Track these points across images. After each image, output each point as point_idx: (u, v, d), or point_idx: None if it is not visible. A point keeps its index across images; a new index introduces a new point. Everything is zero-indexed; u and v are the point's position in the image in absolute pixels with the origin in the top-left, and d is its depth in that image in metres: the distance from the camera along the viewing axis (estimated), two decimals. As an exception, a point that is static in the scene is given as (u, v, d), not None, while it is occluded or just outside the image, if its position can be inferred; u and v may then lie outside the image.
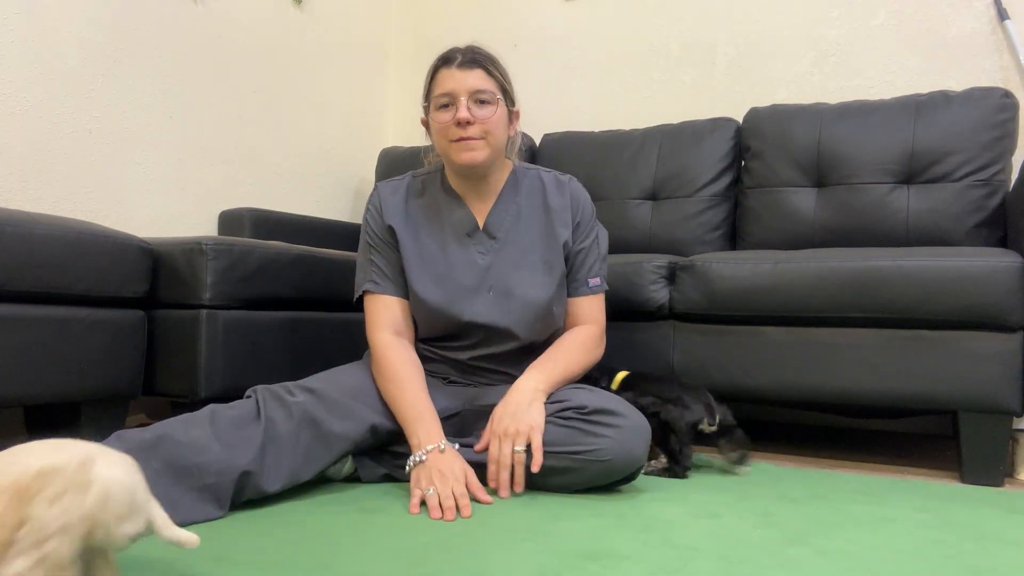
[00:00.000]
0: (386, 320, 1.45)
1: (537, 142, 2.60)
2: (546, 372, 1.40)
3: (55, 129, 1.92)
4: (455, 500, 1.18)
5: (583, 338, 1.49)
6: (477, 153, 1.39)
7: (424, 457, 1.26)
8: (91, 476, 0.64)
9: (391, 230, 1.47)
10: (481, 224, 1.49)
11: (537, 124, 2.79)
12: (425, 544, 1.01)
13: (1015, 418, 1.57)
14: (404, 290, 1.47)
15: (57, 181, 1.93)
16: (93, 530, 0.64)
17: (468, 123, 1.37)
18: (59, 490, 0.62)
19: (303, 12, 2.69)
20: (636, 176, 2.33)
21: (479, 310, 1.45)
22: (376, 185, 1.54)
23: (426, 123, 1.47)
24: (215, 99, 2.36)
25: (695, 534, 1.08)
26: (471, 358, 1.49)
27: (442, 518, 1.14)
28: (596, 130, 2.62)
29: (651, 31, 2.68)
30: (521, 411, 1.31)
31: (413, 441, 1.30)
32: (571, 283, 1.53)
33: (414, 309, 1.48)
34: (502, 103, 1.42)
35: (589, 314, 1.52)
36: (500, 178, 1.51)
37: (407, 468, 1.28)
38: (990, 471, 1.52)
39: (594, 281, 1.53)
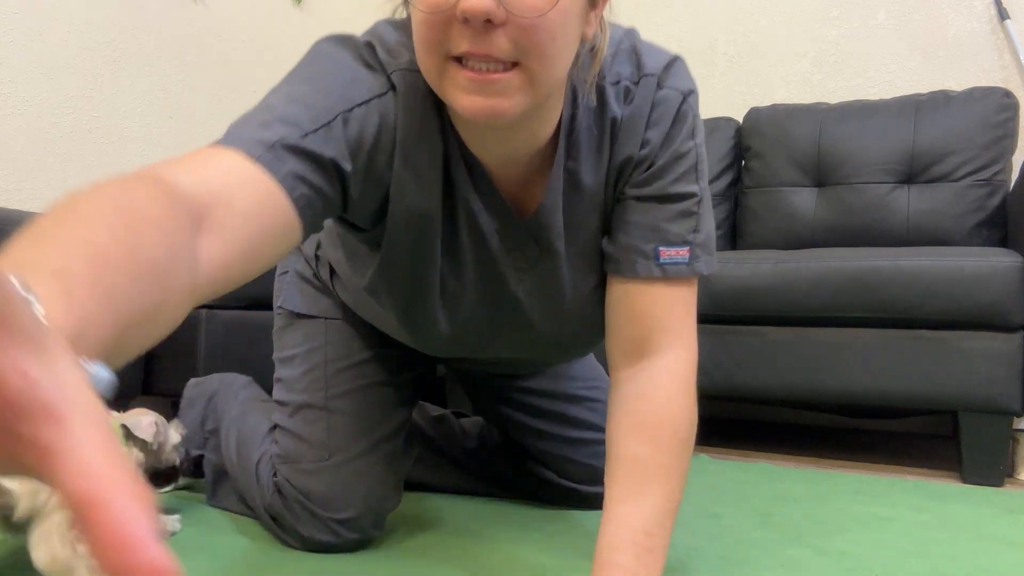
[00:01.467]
0: (199, 178, 0.53)
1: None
2: (648, 560, 0.72)
3: (54, 129, 1.92)
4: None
5: (676, 413, 0.77)
6: (502, 101, 0.64)
7: None
8: None
9: (372, 179, 0.74)
10: (525, 212, 0.81)
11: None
12: (423, 543, 1.01)
13: (1015, 418, 1.56)
14: (298, 213, 0.62)
15: (57, 181, 1.92)
16: None
17: (488, 22, 0.60)
18: None
19: (303, 12, 2.68)
20: (636, 176, 2.32)
21: (497, 350, 0.97)
22: (389, 73, 0.73)
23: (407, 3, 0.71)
24: (215, 99, 2.36)
25: (695, 534, 1.08)
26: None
27: None
28: (596, 130, 2.62)
29: (651, 31, 2.67)
30: None
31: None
32: (618, 258, 0.80)
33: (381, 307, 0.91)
34: None
35: (663, 321, 0.79)
36: (550, 122, 0.75)
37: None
38: (990, 471, 1.52)
39: (671, 253, 0.78)
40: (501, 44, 0.62)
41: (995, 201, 1.90)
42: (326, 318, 1.06)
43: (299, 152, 0.64)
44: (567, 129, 0.77)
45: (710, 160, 2.23)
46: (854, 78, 2.36)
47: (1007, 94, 1.94)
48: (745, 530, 1.11)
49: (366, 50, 0.73)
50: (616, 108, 0.77)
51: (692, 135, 0.78)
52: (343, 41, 0.74)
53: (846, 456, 1.85)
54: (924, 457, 1.86)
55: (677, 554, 0.99)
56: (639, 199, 0.79)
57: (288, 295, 1.10)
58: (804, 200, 2.09)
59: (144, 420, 1.02)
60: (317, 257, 1.06)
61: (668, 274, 0.78)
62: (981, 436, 1.54)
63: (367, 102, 0.71)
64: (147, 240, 0.41)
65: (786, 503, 1.29)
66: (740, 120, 2.30)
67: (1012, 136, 1.93)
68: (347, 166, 0.69)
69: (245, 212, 0.56)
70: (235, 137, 0.62)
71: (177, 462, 1.11)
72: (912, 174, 1.98)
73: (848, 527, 1.14)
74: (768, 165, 2.15)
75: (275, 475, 1.00)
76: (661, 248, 0.78)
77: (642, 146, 0.78)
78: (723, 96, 2.55)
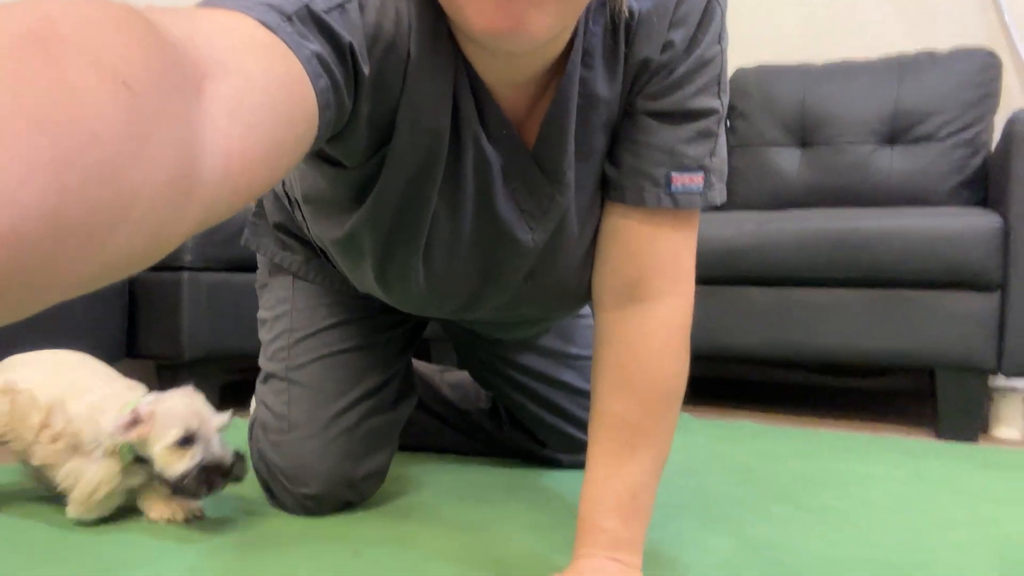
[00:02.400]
0: (195, 30, 0.36)
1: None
2: (633, 523, 0.70)
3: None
4: None
5: (667, 369, 0.70)
6: (531, 17, 0.51)
7: None
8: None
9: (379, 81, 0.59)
10: (530, 142, 0.69)
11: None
12: (409, 503, 1.02)
13: (991, 375, 1.60)
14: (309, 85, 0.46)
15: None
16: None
17: None
18: None
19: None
20: (621, 136, 2.31)
21: (493, 300, 0.83)
22: None
23: None
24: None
25: (678, 491, 1.10)
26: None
27: None
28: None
29: (636, -13, 2.63)
30: None
31: None
32: (623, 183, 0.70)
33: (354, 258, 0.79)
34: None
35: (663, 261, 0.70)
36: (571, 30, 0.62)
37: None
38: (966, 427, 1.56)
39: (684, 180, 0.68)
40: None
41: (977, 161, 1.91)
42: (295, 276, 1.01)
43: (322, 27, 0.49)
44: (582, 31, 0.64)
45: (695, 120, 2.22)
46: (840, 38, 2.34)
47: (991, 54, 1.94)
48: (727, 487, 1.13)
49: None
50: (633, 0, 0.65)
51: (719, 39, 0.68)
52: None
53: (826, 414, 1.88)
54: (902, 414, 1.90)
55: (659, 511, 1.01)
56: (653, 114, 0.67)
57: (262, 236, 1.04)
58: (788, 160, 2.09)
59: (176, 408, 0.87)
60: (287, 195, 0.94)
61: (679, 204, 0.68)
62: (957, 393, 1.57)
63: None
64: (81, 91, 0.25)
65: (767, 460, 1.32)
66: (725, 79, 2.29)
67: (995, 96, 1.94)
68: (364, 66, 0.55)
69: (267, 89, 0.39)
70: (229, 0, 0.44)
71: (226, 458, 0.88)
72: (895, 134, 1.99)
73: (828, 483, 1.17)
74: (753, 125, 2.14)
75: (258, 441, 1.00)
76: (674, 174, 0.67)
77: (663, 49, 0.65)
78: (708, 55, 2.53)
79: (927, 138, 1.95)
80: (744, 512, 1.01)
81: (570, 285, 0.80)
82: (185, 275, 1.56)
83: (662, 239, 0.70)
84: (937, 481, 1.19)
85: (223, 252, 1.61)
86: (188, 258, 1.56)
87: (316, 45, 0.47)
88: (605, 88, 0.67)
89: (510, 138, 0.68)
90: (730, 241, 1.72)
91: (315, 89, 0.46)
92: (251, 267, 1.69)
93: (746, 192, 2.14)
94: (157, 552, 0.83)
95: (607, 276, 0.73)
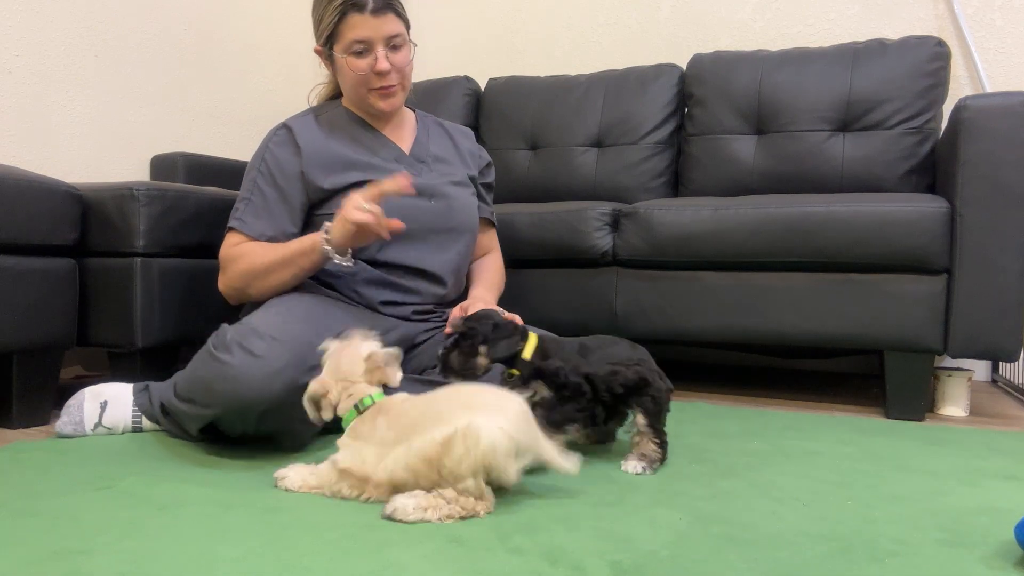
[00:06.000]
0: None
1: (482, 87, 2.56)
2: (492, 293, 1.56)
3: (-30, 67, 1.81)
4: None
5: (501, 266, 1.68)
6: (396, 99, 1.46)
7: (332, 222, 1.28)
8: (479, 435, 0.88)
9: (301, 174, 1.41)
10: (407, 151, 1.51)
11: (482, 67, 2.74)
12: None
13: (937, 356, 1.64)
14: (281, 232, 1.39)
15: (-26, 123, 1.83)
16: (489, 471, 0.89)
17: (388, 74, 1.41)
18: (459, 452, 0.88)
19: (235, -54, 2.56)
20: (582, 123, 2.32)
21: (424, 217, 1.45)
22: (284, 123, 1.47)
23: (325, 56, 1.47)
24: (143, 36, 2.25)
25: (634, 470, 1.12)
26: (396, 266, 1.44)
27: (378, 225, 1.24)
28: (542, 75, 2.59)
29: (596, -26, 2.64)
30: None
31: (315, 237, 1.30)
32: (482, 210, 1.63)
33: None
34: (408, 42, 1.43)
35: (494, 243, 1.70)
36: (405, 110, 1.57)
37: (324, 245, 1.28)
38: (912, 406, 1.60)
39: (491, 210, 1.69)
40: (394, 77, 1.44)
41: (925, 148, 1.95)
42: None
43: (260, 201, 1.43)
44: (419, 120, 1.61)
45: (654, 108, 2.24)
46: (795, 25, 2.38)
47: (940, 43, 1.98)
48: (681, 464, 1.15)
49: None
50: (447, 125, 1.66)
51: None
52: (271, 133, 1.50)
53: (778, 394, 1.92)
54: (852, 395, 1.94)
55: (615, 487, 1.02)
56: (487, 185, 1.69)
57: None
58: (744, 147, 2.12)
59: None
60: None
61: (494, 217, 1.72)
62: (905, 374, 1.61)
63: (264, 152, 1.47)
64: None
65: (720, 439, 1.34)
66: (684, 66, 2.31)
67: (943, 84, 1.98)
68: (297, 195, 1.43)
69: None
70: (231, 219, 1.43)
71: None
72: (848, 122, 2.02)
73: (778, 460, 1.19)
74: (710, 112, 2.16)
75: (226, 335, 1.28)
76: (492, 213, 1.71)
77: (484, 160, 1.69)
78: (668, 41, 2.54)
79: (878, 126, 1.99)
80: (695, 487, 1.03)
81: (464, 220, 1.54)
82: (137, 261, 1.53)
83: (491, 232, 1.71)
84: (883, 457, 1.23)
85: (175, 237, 1.58)
86: (140, 243, 1.53)
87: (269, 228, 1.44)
88: (452, 155, 1.60)
89: (397, 148, 1.52)
90: (687, 227, 1.74)
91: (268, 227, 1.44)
92: (204, 253, 1.66)
93: (703, 179, 2.16)
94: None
95: (478, 247, 1.65)
